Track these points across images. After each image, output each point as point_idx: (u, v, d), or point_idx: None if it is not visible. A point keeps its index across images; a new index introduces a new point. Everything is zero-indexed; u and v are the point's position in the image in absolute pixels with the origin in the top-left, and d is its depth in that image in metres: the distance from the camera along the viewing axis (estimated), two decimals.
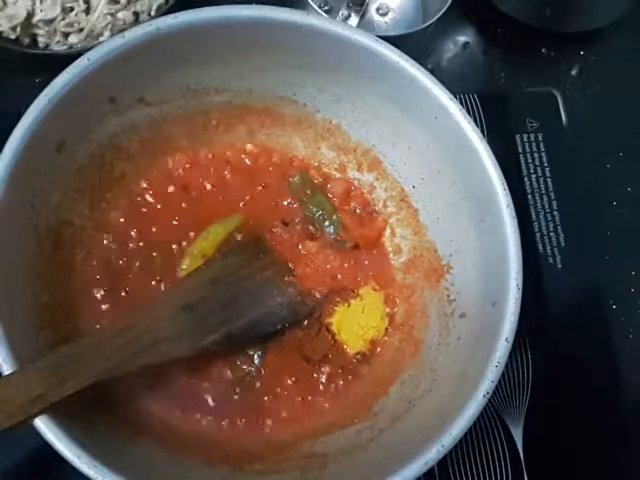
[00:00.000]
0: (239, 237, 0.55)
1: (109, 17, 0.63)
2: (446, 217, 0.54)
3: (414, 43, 0.64)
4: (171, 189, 0.56)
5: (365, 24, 0.69)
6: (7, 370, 0.39)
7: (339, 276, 0.55)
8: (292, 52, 0.51)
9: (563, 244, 0.66)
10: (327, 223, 0.57)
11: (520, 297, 0.45)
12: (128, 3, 0.64)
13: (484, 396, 0.42)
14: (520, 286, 0.45)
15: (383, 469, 0.41)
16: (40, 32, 0.63)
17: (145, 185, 0.55)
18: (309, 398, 0.51)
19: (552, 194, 0.68)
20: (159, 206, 0.55)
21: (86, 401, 0.41)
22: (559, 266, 0.65)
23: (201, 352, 0.49)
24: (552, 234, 0.66)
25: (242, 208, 0.56)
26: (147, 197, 0.55)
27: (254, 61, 0.52)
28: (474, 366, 0.44)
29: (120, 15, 0.63)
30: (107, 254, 0.52)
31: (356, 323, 0.54)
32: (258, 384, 0.51)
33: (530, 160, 0.69)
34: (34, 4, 0.62)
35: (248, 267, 0.52)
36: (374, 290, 0.55)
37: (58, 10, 0.62)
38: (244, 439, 0.49)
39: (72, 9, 0.63)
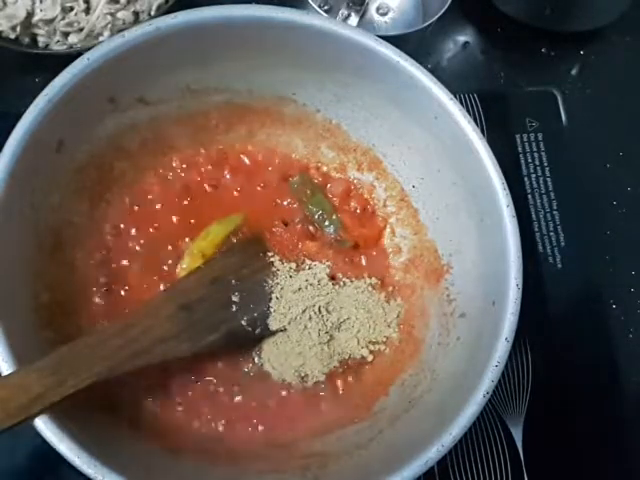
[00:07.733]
0: (239, 237, 0.55)
1: (109, 17, 0.63)
2: (446, 217, 0.54)
3: (414, 43, 0.64)
4: (171, 189, 0.56)
5: (365, 24, 0.69)
6: (7, 370, 0.39)
7: (339, 275, 0.55)
8: (292, 52, 0.51)
9: (563, 244, 0.66)
10: (327, 223, 0.57)
11: (520, 297, 0.45)
12: (128, 3, 0.64)
13: (484, 396, 0.42)
14: (520, 286, 0.45)
15: (383, 469, 0.41)
16: (40, 32, 0.63)
17: (145, 185, 0.55)
18: (309, 398, 0.51)
19: (552, 194, 0.68)
20: (159, 206, 0.55)
21: (86, 401, 0.41)
22: (559, 266, 0.65)
23: (201, 352, 0.49)
24: (552, 234, 0.66)
25: (242, 208, 0.56)
26: (147, 197, 0.55)
27: (254, 61, 0.52)
28: (474, 366, 0.44)
29: (120, 15, 0.63)
30: (107, 254, 0.53)
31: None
32: (258, 384, 0.51)
33: (530, 160, 0.69)
34: (34, 4, 0.62)
35: (248, 267, 0.52)
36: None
37: (58, 10, 0.62)
38: (244, 439, 0.49)
39: (72, 9, 0.63)
